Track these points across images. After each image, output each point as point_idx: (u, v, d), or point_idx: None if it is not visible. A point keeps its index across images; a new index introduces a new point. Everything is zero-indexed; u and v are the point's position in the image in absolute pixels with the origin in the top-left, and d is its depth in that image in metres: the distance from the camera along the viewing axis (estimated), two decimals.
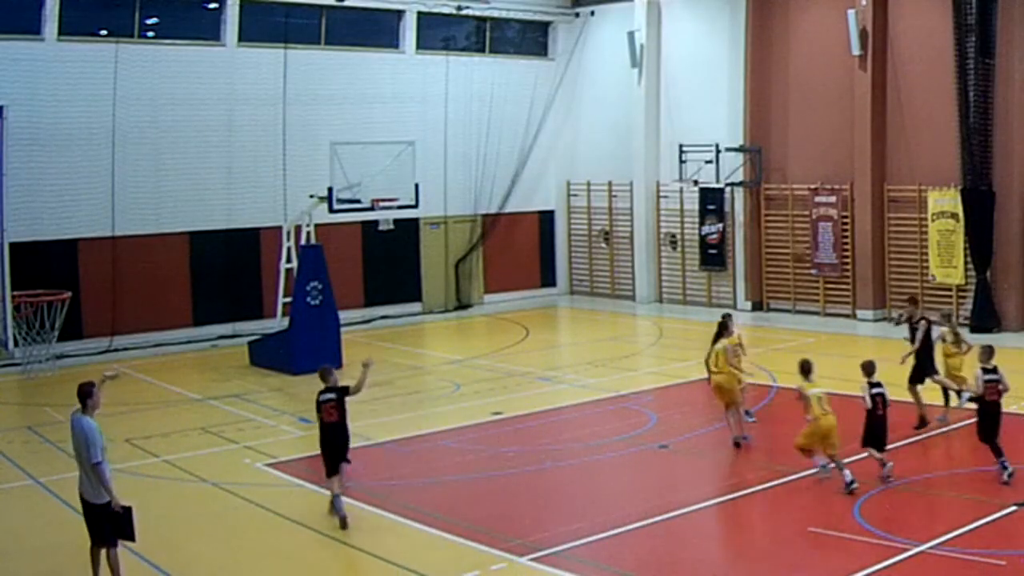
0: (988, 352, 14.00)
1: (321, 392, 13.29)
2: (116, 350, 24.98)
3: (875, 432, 13.98)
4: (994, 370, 13.79)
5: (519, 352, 24.16)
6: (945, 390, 16.74)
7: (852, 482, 13.40)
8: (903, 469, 14.16)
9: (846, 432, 16.10)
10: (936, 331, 16.87)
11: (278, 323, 23.95)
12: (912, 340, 16.75)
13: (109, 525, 10.72)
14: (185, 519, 13.34)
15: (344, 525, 12.78)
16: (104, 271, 25.27)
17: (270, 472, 15.22)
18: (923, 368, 16.62)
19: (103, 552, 10.85)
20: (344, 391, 13.22)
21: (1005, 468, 13.46)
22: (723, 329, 16.20)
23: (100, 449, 10.62)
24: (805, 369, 14.03)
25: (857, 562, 10.90)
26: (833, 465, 13.80)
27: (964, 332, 18.94)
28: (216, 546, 12.40)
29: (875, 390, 13.95)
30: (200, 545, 12.40)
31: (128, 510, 10.85)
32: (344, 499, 13.09)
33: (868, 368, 13.99)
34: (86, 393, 10.82)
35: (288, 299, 23.30)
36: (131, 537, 10.90)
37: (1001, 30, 23.89)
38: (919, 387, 16.55)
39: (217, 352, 25.37)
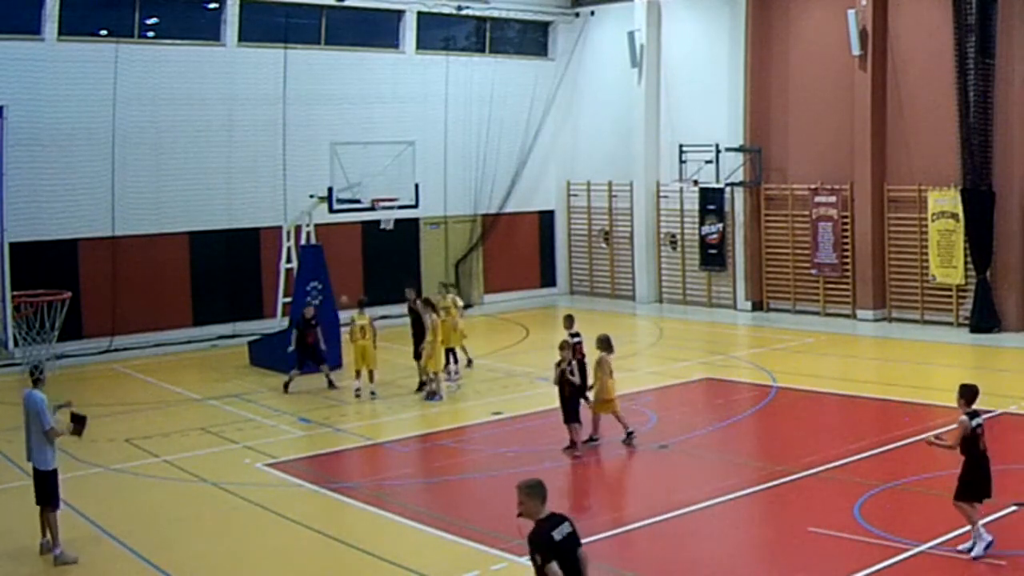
0: (569, 320, 17.56)
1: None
2: (116, 350, 24.98)
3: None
4: (577, 334, 17.13)
5: (519, 352, 24.15)
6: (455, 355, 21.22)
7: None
8: (903, 469, 14.17)
9: (844, 433, 16.12)
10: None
11: (278, 323, 23.98)
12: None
13: (53, 489, 11.97)
14: (185, 519, 13.33)
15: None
16: (104, 271, 25.28)
17: (270, 472, 15.22)
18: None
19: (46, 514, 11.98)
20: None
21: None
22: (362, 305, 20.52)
23: (48, 417, 11.93)
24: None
25: (857, 562, 10.89)
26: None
27: None
28: (216, 546, 12.39)
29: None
30: (200, 545, 12.39)
31: (83, 418, 12.46)
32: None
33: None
34: (40, 370, 12.25)
35: (288, 299, 23.32)
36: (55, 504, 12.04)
37: (1001, 30, 23.87)
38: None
39: (217, 352, 25.36)
